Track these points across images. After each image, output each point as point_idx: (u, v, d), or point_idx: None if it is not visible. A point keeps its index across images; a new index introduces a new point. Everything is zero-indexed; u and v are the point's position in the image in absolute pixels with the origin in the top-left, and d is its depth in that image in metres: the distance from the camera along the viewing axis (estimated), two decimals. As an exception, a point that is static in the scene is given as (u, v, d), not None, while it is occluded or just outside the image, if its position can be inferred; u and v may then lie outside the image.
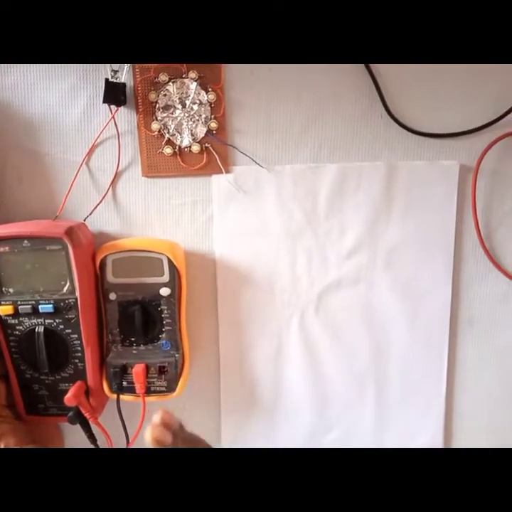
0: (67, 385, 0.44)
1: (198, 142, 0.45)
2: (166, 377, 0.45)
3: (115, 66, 0.43)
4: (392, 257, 0.46)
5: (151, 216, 0.47)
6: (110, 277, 0.44)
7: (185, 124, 0.44)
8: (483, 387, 0.49)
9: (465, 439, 0.51)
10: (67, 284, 0.42)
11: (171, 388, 0.45)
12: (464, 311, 0.48)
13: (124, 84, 0.43)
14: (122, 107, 0.44)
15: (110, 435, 0.45)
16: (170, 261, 0.43)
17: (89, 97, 0.44)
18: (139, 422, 0.44)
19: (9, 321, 0.42)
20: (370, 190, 0.45)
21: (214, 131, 0.44)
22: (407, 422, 0.50)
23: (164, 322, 0.44)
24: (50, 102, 0.44)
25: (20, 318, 0.42)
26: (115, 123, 0.44)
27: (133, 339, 0.45)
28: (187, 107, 0.44)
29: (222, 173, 0.45)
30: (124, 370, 0.44)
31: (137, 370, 0.44)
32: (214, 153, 0.45)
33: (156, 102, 0.44)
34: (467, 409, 0.50)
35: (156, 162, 0.45)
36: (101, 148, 0.45)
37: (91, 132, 0.45)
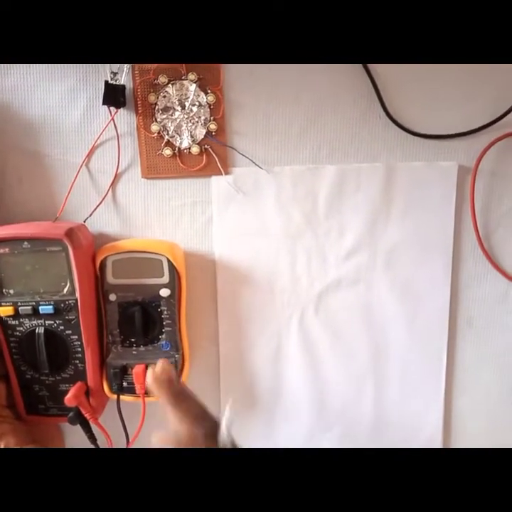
0: (67, 385, 0.44)
1: (197, 144, 0.45)
2: (166, 377, 0.45)
3: (114, 68, 0.43)
4: (392, 258, 0.46)
5: (151, 217, 0.47)
6: (110, 278, 0.44)
7: (185, 125, 0.45)
8: (482, 387, 0.49)
9: (464, 439, 0.51)
10: (68, 285, 0.42)
11: (170, 389, 0.45)
12: (463, 312, 0.48)
13: (123, 86, 0.43)
14: (122, 109, 0.44)
15: (110, 435, 0.45)
16: (170, 262, 0.43)
17: (88, 98, 0.44)
18: (139, 423, 0.44)
19: (10, 322, 0.43)
20: (369, 191, 0.45)
21: (213, 133, 0.45)
22: (406, 422, 0.50)
23: (164, 323, 0.45)
24: (50, 103, 0.45)
25: (21, 319, 0.43)
26: (115, 125, 0.44)
27: (133, 340, 0.45)
28: (186, 108, 0.44)
29: (221, 174, 0.45)
30: (124, 371, 0.45)
31: (137, 371, 0.44)
32: (213, 154, 0.45)
33: (156, 104, 0.44)
34: (466, 410, 0.50)
35: (156, 163, 0.45)
36: (101, 150, 0.45)
37: (91, 134, 0.45)
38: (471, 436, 0.51)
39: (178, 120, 0.45)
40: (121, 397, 0.45)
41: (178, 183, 0.46)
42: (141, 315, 0.44)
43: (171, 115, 0.45)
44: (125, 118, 0.45)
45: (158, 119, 0.45)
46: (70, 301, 0.42)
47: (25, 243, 0.41)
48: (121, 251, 0.43)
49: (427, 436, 0.51)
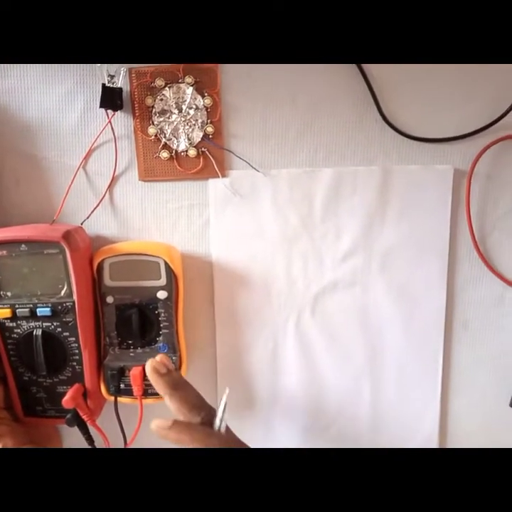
0: (65, 387, 0.44)
1: (194, 146, 0.45)
2: (163, 379, 0.45)
3: (112, 71, 0.43)
4: (388, 261, 0.47)
5: (148, 220, 0.47)
6: (107, 281, 0.44)
7: (182, 128, 0.45)
8: (478, 389, 0.50)
9: (460, 441, 0.51)
10: (65, 287, 0.42)
11: (167, 390, 0.45)
12: (459, 314, 0.48)
13: (120, 89, 0.44)
14: (119, 112, 0.44)
15: (108, 437, 0.45)
16: (167, 264, 0.43)
17: (86, 101, 0.44)
18: (136, 424, 0.44)
19: (7, 324, 0.43)
20: (365, 194, 0.45)
21: (210, 136, 0.45)
22: (402, 423, 0.51)
23: (161, 325, 0.45)
24: (48, 106, 0.45)
25: (18, 322, 0.43)
26: (112, 127, 0.44)
27: (130, 342, 0.45)
28: (183, 111, 0.44)
29: (218, 177, 0.46)
30: (122, 373, 0.45)
31: (135, 373, 0.44)
32: (210, 157, 0.45)
33: (153, 107, 0.44)
34: (462, 411, 0.50)
35: (153, 166, 0.45)
36: (98, 153, 0.45)
37: (88, 136, 0.45)
38: (467, 436, 0.51)
39: (175, 123, 0.45)
40: (119, 398, 0.45)
41: (175, 186, 0.46)
42: (138, 317, 0.44)
43: (168, 118, 0.45)
44: (122, 121, 0.45)
45: (155, 122, 0.45)
46: (68, 304, 0.42)
47: (23, 246, 0.41)
48: (118, 253, 0.43)
49: (423, 436, 0.51)
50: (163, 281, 0.44)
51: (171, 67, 0.44)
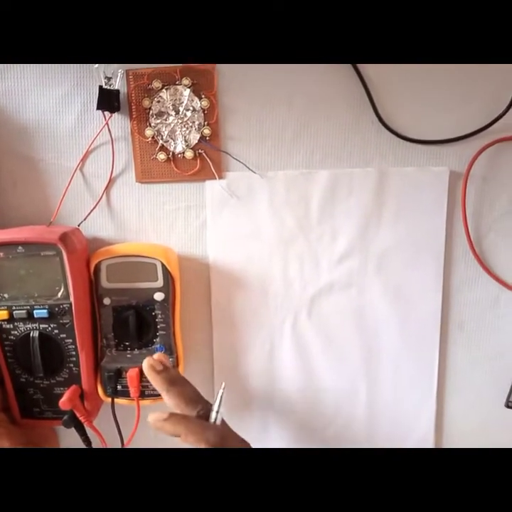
0: (62, 389, 0.45)
1: (191, 148, 0.45)
2: (160, 380, 0.45)
3: (109, 73, 0.43)
4: (384, 262, 0.47)
5: (145, 221, 0.47)
6: (104, 282, 0.44)
7: (179, 130, 0.45)
8: (474, 389, 0.50)
9: (455, 441, 0.51)
10: (62, 289, 0.42)
11: (164, 392, 0.45)
12: (455, 316, 0.48)
13: (117, 91, 0.44)
14: (116, 114, 0.44)
15: (105, 438, 0.45)
16: (163, 266, 0.43)
17: (83, 103, 0.45)
18: (133, 425, 0.44)
19: (4, 326, 0.43)
20: (362, 196, 0.46)
21: (207, 138, 0.45)
22: (398, 423, 0.51)
23: (158, 326, 0.45)
24: (45, 108, 0.45)
25: (15, 323, 0.43)
26: (109, 129, 0.44)
27: (127, 343, 0.45)
28: (180, 113, 0.45)
29: (215, 178, 0.46)
30: (119, 374, 0.45)
31: (131, 374, 0.44)
32: (207, 159, 0.45)
33: (150, 109, 0.44)
34: (457, 412, 0.51)
35: (150, 168, 0.46)
36: (95, 154, 0.46)
37: (85, 138, 0.45)
38: (463, 437, 0.51)
39: (172, 125, 0.45)
40: (116, 400, 0.45)
41: (172, 188, 0.46)
42: (135, 319, 0.44)
43: (165, 120, 0.45)
44: (119, 122, 0.45)
45: (153, 124, 0.45)
46: (65, 305, 0.42)
47: (20, 247, 0.41)
48: (115, 255, 0.43)
49: (419, 437, 0.51)
50: (160, 282, 0.44)
51: (168, 69, 0.44)
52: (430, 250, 0.47)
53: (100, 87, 0.43)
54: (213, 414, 0.38)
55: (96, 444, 0.45)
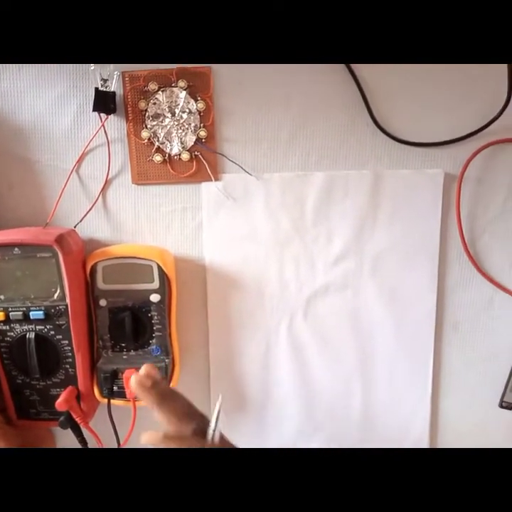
0: (58, 390, 0.45)
1: (187, 150, 0.45)
2: (156, 382, 0.45)
3: (105, 75, 0.43)
4: (379, 264, 0.47)
5: (141, 223, 0.47)
6: (100, 284, 0.44)
7: (175, 132, 0.45)
8: (468, 390, 0.50)
9: (450, 441, 0.52)
10: (58, 290, 0.42)
11: (161, 393, 0.45)
12: (449, 317, 0.49)
13: (113, 93, 0.44)
14: (112, 115, 0.44)
15: (101, 439, 0.45)
16: (160, 267, 0.44)
17: (79, 105, 0.45)
18: (129, 426, 0.44)
19: (0, 327, 0.43)
20: (357, 198, 0.46)
21: (203, 140, 0.45)
22: (393, 424, 0.51)
23: (154, 328, 0.45)
24: (41, 109, 0.45)
25: (12, 325, 0.43)
26: (105, 131, 0.44)
27: (123, 345, 0.45)
28: (176, 115, 0.45)
29: (211, 180, 0.46)
30: (115, 376, 0.45)
31: (128, 376, 0.44)
32: (203, 161, 0.45)
33: (146, 111, 0.45)
34: (452, 412, 0.51)
35: (146, 170, 0.46)
36: (91, 156, 0.46)
37: (81, 140, 0.45)
38: (457, 437, 0.52)
39: (168, 127, 0.45)
40: (112, 401, 0.45)
41: (169, 189, 0.47)
42: (131, 320, 0.44)
43: (161, 122, 0.45)
44: (115, 124, 0.45)
45: (149, 126, 0.45)
46: (61, 307, 0.43)
47: (16, 249, 0.41)
48: (111, 257, 0.44)
49: (414, 437, 0.51)
50: (156, 284, 0.44)
51: (164, 71, 0.44)
52: (425, 252, 0.47)
53: (96, 89, 0.43)
54: (210, 432, 0.35)
55: (92, 444, 0.46)
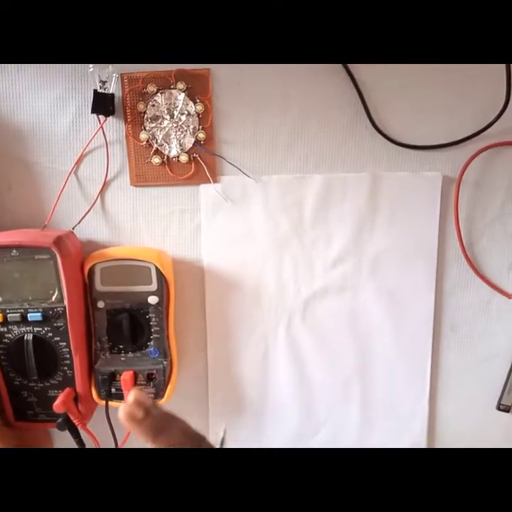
0: (56, 391, 0.45)
1: (186, 152, 0.45)
2: (154, 384, 0.46)
3: (103, 77, 0.43)
4: (377, 266, 0.47)
5: (140, 225, 0.47)
6: (98, 286, 0.44)
7: (174, 134, 0.45)
8: (466, 391, 0.50)
9: (448, 443, 0.52)
10: (56, 292, 0.42)
11: (159, 395, 0.46)
12: (447, 319, 0.49)
13: (112, 95, 0.44)
14: (111, 117, 0.44)
15: (99, 441, 0.45)
16: (158, 269, 0.44)
17: (77, 107, 0.45)
18: (127, 428, 0.44)
19: (-2, 329, 0.43)
20: (355, 201, 0.46)
21: (202, 142, 0.45)
22: (391, 425, 0.51)
23: (152, 330, 0.45)
24: (39, 111, 0.45)
25: (9, 326, 0.43)
26: (103, 133, 0.44)
27: (121, 347, 0.45)
28: (175, 117, 0.45)
29: (210, 182, 0.46)
30: (113, 377, 0.45)
31: (125, 377, 0.44)
32: (202, 163, 0.45)
33: (145, 113, 0.45)
34: (450, 413, 0.51)
35: (145, 171, 0.46)
36: (89, 158, 0.46)
37: (79, 142, 0.45)
38: (455, 439, 0.52)
39: (166, 129, 0.45)
40: (110, 403, 0.45)
41: (167, 191, 0.47)
42: (129, 322, 0.44)
43: (160, 124, 0.45)
44: (114, 126, 0.45)
45: (147, 128, 0.45)
46: (59, 309, 0.42)
47: (14, 251, 0.41)
48: (109, 258, 0.44)
49: (412, 438, 0.51)
50: (154, 286, 0.44)
51: (163, 73, 0.44)
52: (423, 254, 0.47)
53: (95, 90, 0.43)
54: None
55: (90, 446, 0.46)
